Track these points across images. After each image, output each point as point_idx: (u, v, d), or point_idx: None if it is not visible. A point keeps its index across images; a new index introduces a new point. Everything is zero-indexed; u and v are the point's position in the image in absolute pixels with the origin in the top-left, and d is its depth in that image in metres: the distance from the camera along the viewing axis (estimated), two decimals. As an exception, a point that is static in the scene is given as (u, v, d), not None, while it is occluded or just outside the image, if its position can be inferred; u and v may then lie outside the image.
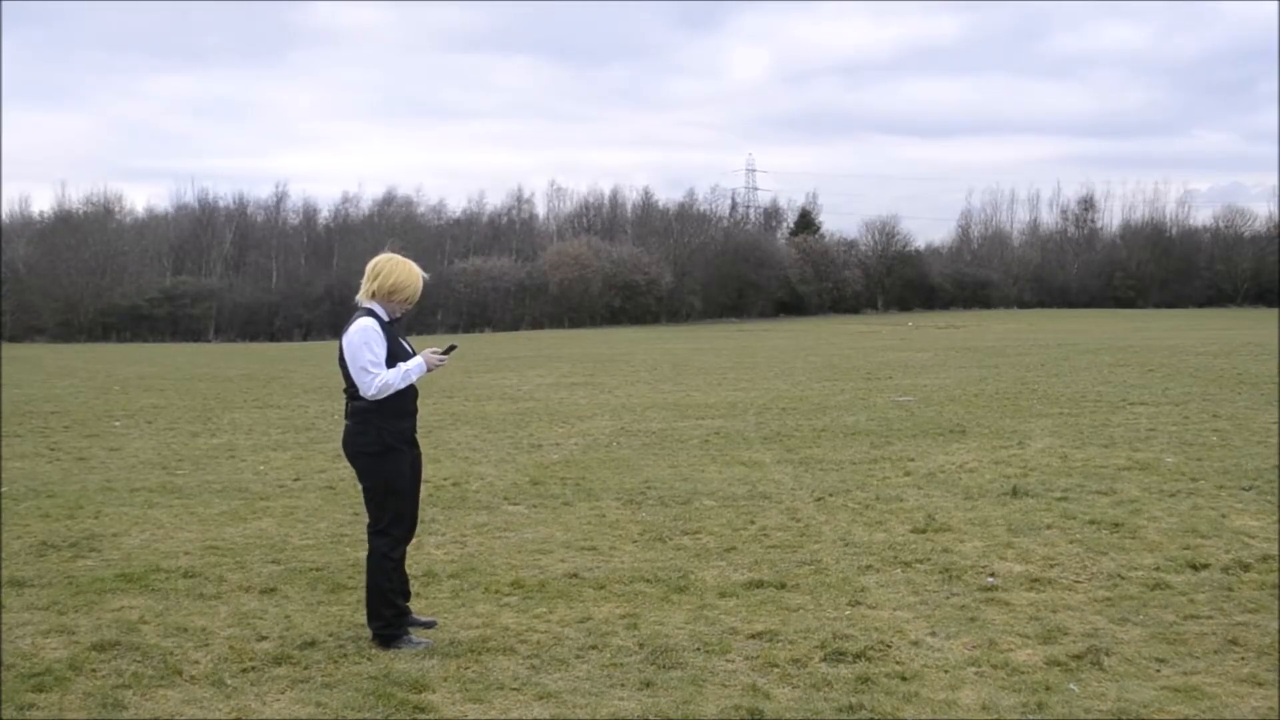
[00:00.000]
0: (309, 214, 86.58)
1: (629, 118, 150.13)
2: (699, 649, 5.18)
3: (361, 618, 5.67)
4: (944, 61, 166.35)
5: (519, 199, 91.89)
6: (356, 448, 5.35)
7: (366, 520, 5.51)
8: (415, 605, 5.76)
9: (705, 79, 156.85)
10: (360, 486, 5.51)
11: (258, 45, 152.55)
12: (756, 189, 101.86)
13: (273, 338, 68.17)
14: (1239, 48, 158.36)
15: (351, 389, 5.29)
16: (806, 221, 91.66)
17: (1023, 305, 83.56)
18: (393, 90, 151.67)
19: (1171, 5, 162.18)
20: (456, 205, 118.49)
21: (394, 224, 79.73)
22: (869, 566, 6.67)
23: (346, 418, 5.39)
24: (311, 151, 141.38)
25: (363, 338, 5.20)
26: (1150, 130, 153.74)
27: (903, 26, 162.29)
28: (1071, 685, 4.66)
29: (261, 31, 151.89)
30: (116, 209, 77.68)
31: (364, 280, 5.38)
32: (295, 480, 10.23)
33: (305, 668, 4.98)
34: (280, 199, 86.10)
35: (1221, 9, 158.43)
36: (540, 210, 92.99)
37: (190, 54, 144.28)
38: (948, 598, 5.99)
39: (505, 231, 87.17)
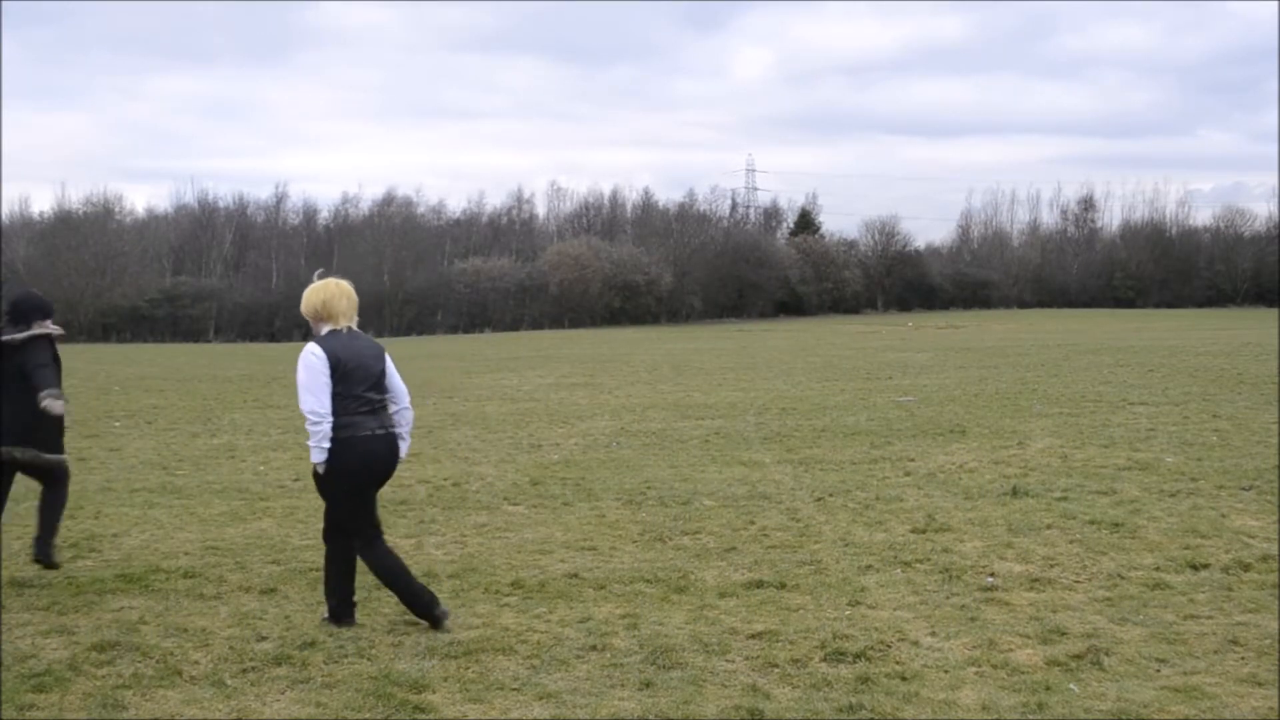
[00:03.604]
0: (309, 214, 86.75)
1: (632, 118, 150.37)
2: (699, 649, 5.18)
3: (361, 617, 5.69)
4: (949, 61, 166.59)
5: (519, 199, 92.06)
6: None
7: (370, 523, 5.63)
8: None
9: (709, 79, 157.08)
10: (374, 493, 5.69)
11: (262, 45, 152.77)
12: (756, 189, 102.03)
13: (272, 338, 68.23)
14: (1245, 47, 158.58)
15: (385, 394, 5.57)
16: (806, 221, 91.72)
17: (1023, 305, 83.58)
18: (395, 91, 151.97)
19: (1177, 5, 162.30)
20: (456, 205, 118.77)
21: (394, 224, 79.81)
22: (869, 566, 6.67)
23: (385, 428, 5.56)
24: (311, 151, 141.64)
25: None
26: (1154, 130, 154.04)
27: (908, 26, 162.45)
28: (1071, 685, 4.66)
29: (266, 32, 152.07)
30: (116, 209, 77.75)
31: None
32: (295, 480, 10.22)
33: (305, 668, 4.98)
34: (280, 199, 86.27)
35: (1229, 8, 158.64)
36: (540, 210, 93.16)
37: (194, 54, 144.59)
38: (948, 598, 5.99)
39: (505, 232, 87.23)
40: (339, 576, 5.62)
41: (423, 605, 5.52)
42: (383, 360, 5.52)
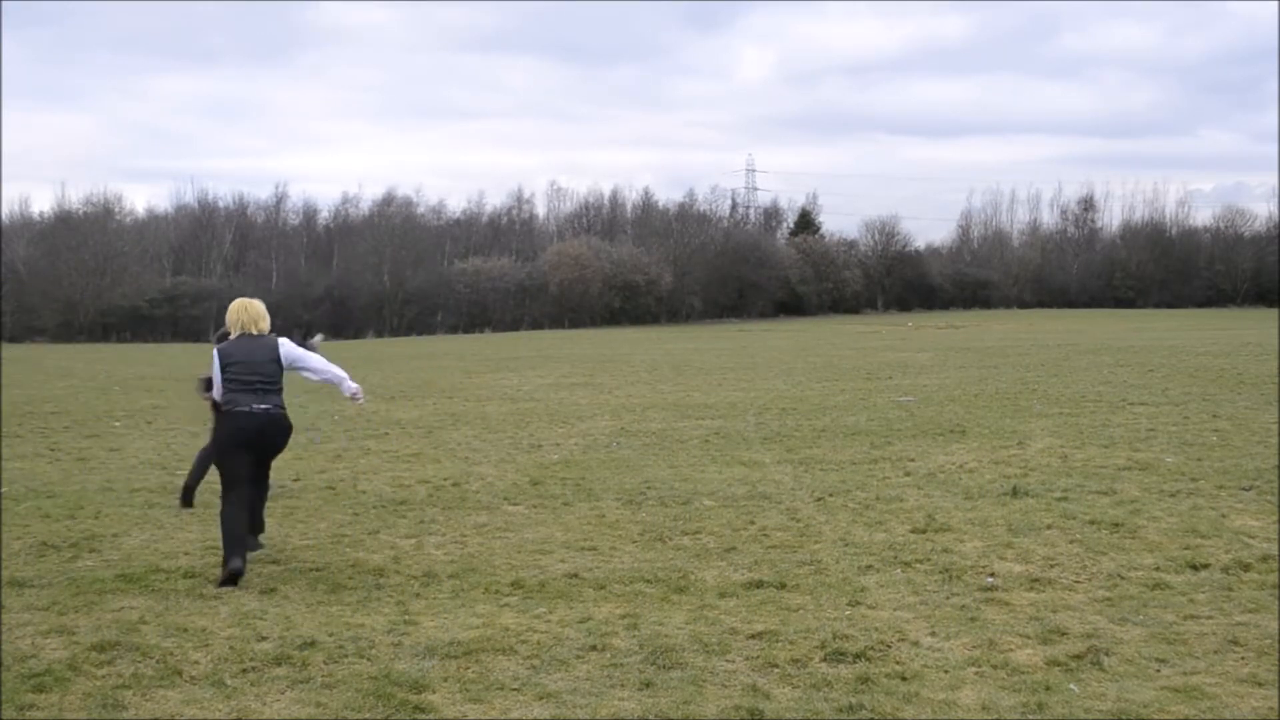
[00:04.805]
0: (309, 214, 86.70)
1: (633, 118, 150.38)
2: (699, 649, 5.18)
3: (361, 617, 5.70)
4: (950, 61, 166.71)
5: (519, 199, 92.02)
6: (288, 428, 7.07)
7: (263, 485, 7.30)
8: (415, 605, 5.92)
9: (711, 79, 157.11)
10: (270, 458, 7.12)
11: (263, 45, 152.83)
12: (756, 189, 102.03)
13: (273, 338, 68.10)
14: (1245, 47, 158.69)
15: (278, 380, 7.00)
16: (806, 221, 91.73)
17: (1023, 305, 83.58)
18: (395, 91, 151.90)
19: (1178, 5, 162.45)
20: (456, 205, 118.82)
21: (394, 224, 79.80)
22: (869, 566, 6.67)
23: (279, 407, 6.95)
24: (312, 151, 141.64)
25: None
26: (1154, 130, 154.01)
27: (909, 26, 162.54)
28: (1071, 685, 4.66)
29: (266, 32, 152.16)
30: (116, 209, 77.70)
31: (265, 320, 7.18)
32: (295, 480, 10.22)
33: (305, 668, 4.98)
34: (280, 199, 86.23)
35: (1229, 8, 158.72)
36: (540, 210, 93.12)
37: (195, 54, 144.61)
38: (948, 598, 5.99)
39: (505, 232, 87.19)
40: (233, 524, 6.74)
41: (235, 555, 6.61)
42: (273, 355, 6.99)
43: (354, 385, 7.21)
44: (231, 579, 6.51)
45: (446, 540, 7.64)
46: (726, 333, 56.69)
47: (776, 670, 4.91)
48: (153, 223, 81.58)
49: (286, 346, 7.11)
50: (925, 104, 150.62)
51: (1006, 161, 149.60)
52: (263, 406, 6.89)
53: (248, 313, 7.16)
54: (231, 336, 7.11)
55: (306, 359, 7.15)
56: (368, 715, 4.46)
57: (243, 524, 6.79)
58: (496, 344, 45.48)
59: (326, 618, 5.77)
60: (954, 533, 7.52)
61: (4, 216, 75.54)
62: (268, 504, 9.16)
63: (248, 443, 6.91)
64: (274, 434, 6.99)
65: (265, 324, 7.15)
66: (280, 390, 7.04)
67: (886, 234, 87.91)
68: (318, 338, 9.50)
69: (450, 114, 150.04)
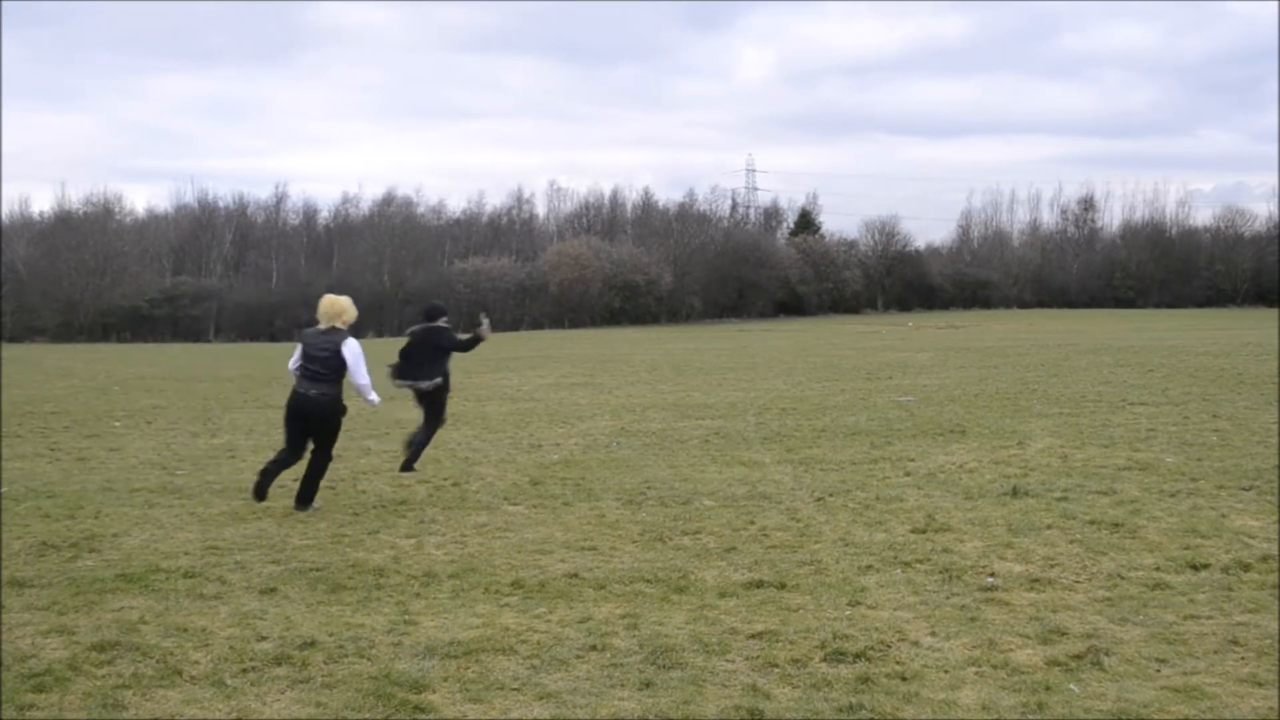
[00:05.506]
0: (309, 214, 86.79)
1: (633, 118, 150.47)
2: (699, 649, 5.18)
3: (361, 617, 5.69)
4: (950, 61, 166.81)
5: (519, 199, 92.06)
6: (338, 410, 8.64)
7: (318, 450, 8.76)
8: (415, 605, 5.90)
9: (711, 79, 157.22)
10: (323, 435, 8.66)
11: (263, 45, 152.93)
12: (756, 189, 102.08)
13: (273, 338, 68.22)
14: (1245, 47, 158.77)
15: (334, 371, 8.53)
16: (806, 221, 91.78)
17: (1023, 305, 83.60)
18: (395, 91, 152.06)
19: (1178, 5, 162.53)
20: (456, 205, 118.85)
21: (394, 224, 79.85)
22: (869, 566, 6.66)
23: (326, 395, 8.52)
24: (312, 151, 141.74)
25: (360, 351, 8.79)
26: (1154, 130, 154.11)
27: (909, 26, 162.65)
28: (1071, 685, 4.66)
29: (267, 32, 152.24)
30: (116, 209, 77.75)
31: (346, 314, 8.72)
32: (295, 480, 10.20)
33: (305, 668, 4.98)
34: (280, 199, 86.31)
35: (1229, 8, 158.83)
36: (540, 210, 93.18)
37: (195, 54, 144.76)
38: (948, 598, 5.98)
39: (505, 232, 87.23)
40: (275, 469, 8.80)
41: (258, 489, 8.75)
42: (331, 349, 8.49)
43: (374, 398, 8.84)
44: (254, 494, 8.72)
45: (446, 540, 7.64)
46: (726, 333, 56.69)
47: (776, 670, 4.90)
48: (153, 223, 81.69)
49: (348, 347, 8.51)
50: (925, 104, 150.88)
51: (1006, 161, 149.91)
52: (313, 391, 8.51)
53: (332, 308, 8.72)
54: (320, 327, 8.63)
55: (352, 365, 8.51)
56: (368, 715, 4.45)
57: (274, 473, 8.72)
58: (496, 344, 45.47)
59: (326, 618, 5.77)
60: (954, 533, 7.52)
61: (4, 216, 75.67)
62: (270, 505, 9.19)
63: (298, 417, 8.63)
64: (318, 416, 8.56)
65: (347, 317, 8.62)
66: (334, 380, 8.52)
67: (886, 234, 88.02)
68: (485, 323, 10.93)
69: (450, 114, 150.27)
